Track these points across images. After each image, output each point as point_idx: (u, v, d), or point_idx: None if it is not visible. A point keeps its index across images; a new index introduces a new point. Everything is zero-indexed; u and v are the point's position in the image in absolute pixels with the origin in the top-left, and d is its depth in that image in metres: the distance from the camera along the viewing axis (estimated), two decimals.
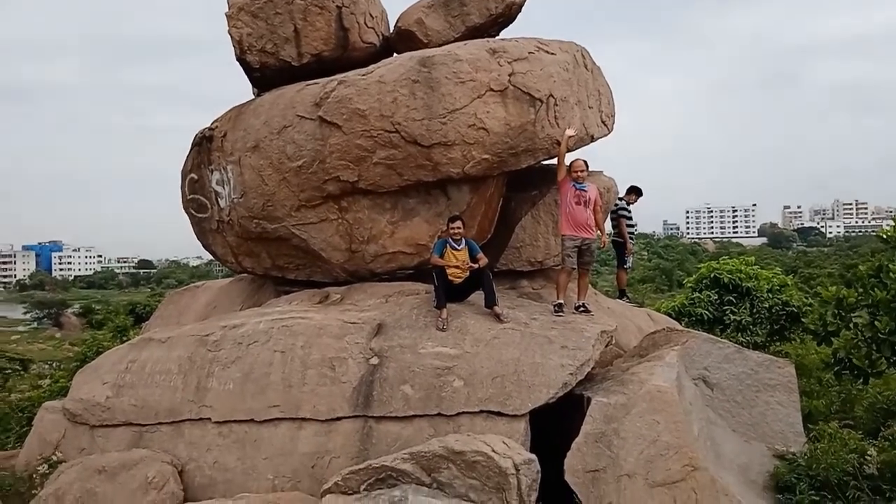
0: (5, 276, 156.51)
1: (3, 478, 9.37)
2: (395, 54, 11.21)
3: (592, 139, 11.07)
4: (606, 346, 8.79)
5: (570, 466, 7.20)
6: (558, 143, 9.59)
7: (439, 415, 7.81)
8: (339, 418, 8.12)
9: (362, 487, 6.83)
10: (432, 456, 6.75)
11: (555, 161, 9.87)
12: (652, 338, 9.34)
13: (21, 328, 77.44)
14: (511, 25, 11.91)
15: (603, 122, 11.46)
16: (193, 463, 8.53)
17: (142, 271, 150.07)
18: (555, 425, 7.88)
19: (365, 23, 10.94)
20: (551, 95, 9.59)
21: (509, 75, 9.43)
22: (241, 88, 12.10)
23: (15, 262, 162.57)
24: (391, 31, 11.61)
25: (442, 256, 9.04)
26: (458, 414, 7.76)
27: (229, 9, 10.79)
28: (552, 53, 9.96)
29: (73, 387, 10.32)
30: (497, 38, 11.22)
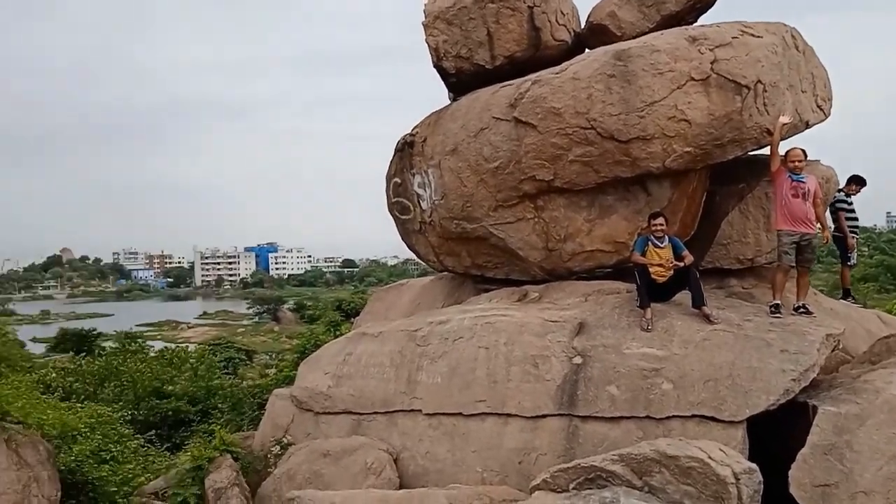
0: (231, 275, 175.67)
1: (244, 457, 10.52)
2: (586, 50, 11.10)
3: (807, 126, 10.24)
4: (832, 350, 8.08)
5: (795, 479, 6.70)
6: (769, 132, 8.96)
7: (648, 417, 7.64)
8: (544, 416, 8.22)
9: (571, 486, 6.84)
10: (643, 459, 6.59)
11: (765, 151, 9.23)
12: (886, 342, 8.45)
13: (245, 322, 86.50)
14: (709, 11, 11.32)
15: (819, 106, 10.53)
16: (407, 452, 9.04)
17: (345, 270, 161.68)
18: (772, 433, 7.40)
19: (556, 20, 10.95)
20: (759, 81, 8.96)
21: (711, 63, 8.96)
22: (438, 94, 12.61)
23: (239, 263, 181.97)
24: (582, 26, 11.50)
25: (643, 254, 8.81)
26: (668, 417, 7.55)
27: (425, 18, 11.30)
28: (758, 36, 9.30)
29: (299, 376, 11.33)
30: (695, 24, 10.72)
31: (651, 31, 10.43)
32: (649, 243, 8.85)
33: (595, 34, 11.06)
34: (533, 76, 9.99)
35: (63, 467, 9.74)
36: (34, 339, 52.04)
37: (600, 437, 7.79)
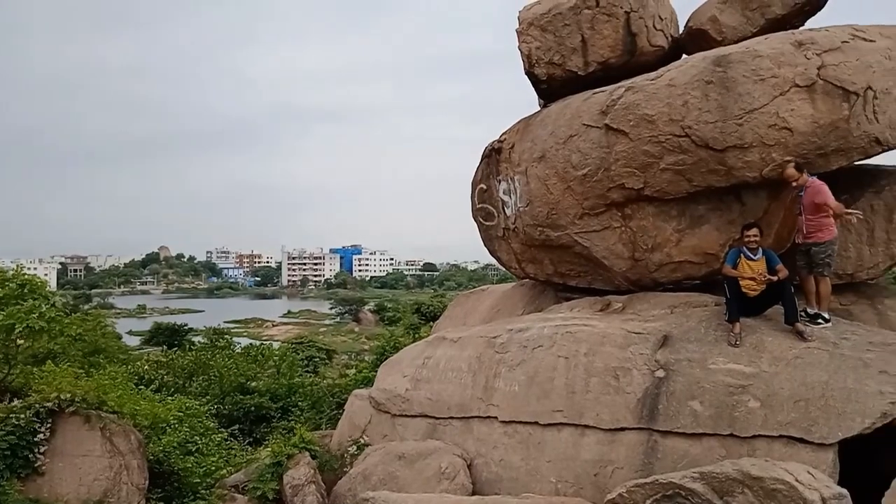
0: (316, 276, 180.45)
1: (321, 455, 10.71)
2: (684, 56, 10.80)
3: None
4: None
5: None
6: (877, 142, 8.47)
7: (732, 435, 7.33)
8: (622, 429, 8.01)
9: (648, 502, 6.61)
10: (725, 478, 6.30)
11: (872, 161, 8.75)
12: None
13: (327, 321, 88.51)
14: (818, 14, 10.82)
15: None
16: (481, 458, 8.99)
17: (426, 273, 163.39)
18: (863, 458, 6.97)
19: (653, 26, 10.70)
20: (870, 88, 8.49)
21: (818, 68, 8.53)
22: (527, 99, 12.57)
23: (324, 264, 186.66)
24: (681, 31, 11.20)
25: (735, 267, 8.49)
26: (753, 437, 7.22)
27: (519, 25, 11.24)
28: (871, 41, 8.82)
29: (378, 378, 11.44)
30: (802, 28, 10.25)
31: (754, 35, 10.09)
32: (741, 255, 8.53)
33: (694, 39, 10.75)
34: (626, 82, 9.78)
35: (151, 457, 10.14)
36: (130, 332, 54.97)
37: (680, 454, 7.53)
